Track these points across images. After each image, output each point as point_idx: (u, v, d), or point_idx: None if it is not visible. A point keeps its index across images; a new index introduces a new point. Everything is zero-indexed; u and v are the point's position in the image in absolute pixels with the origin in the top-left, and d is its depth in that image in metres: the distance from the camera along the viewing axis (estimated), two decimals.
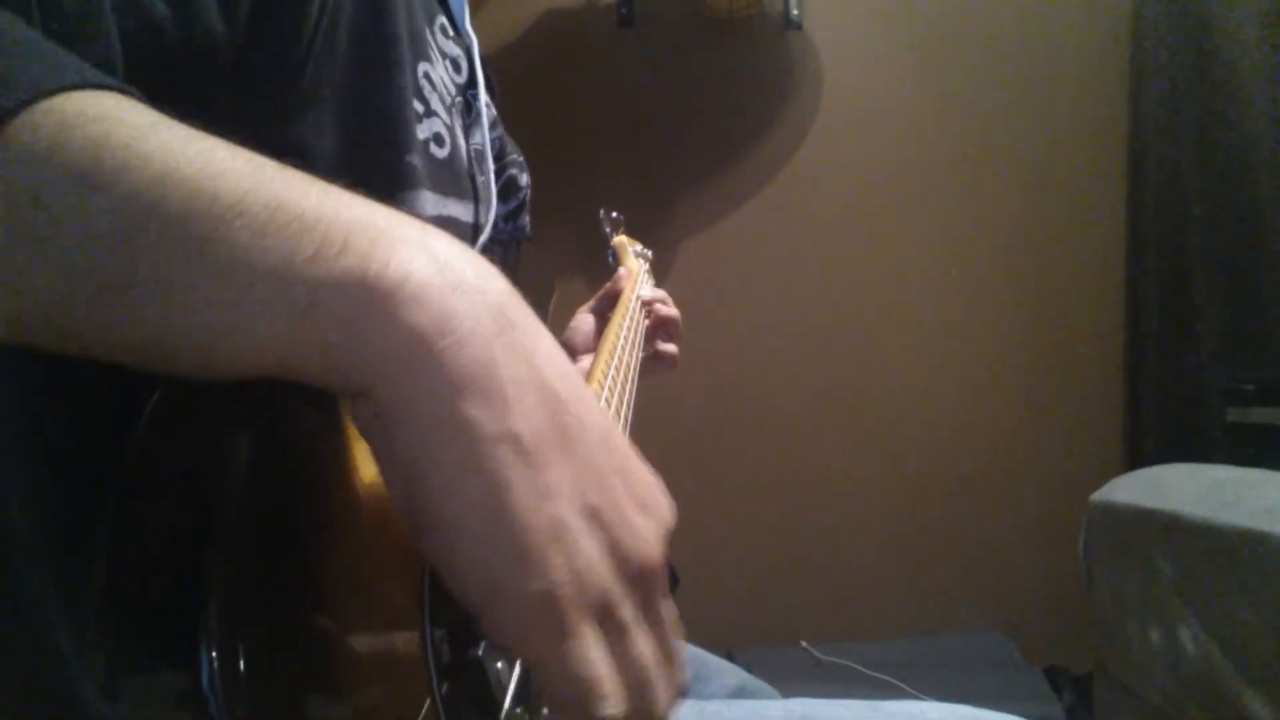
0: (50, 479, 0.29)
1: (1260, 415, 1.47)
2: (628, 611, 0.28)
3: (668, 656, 0.30)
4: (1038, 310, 1.91)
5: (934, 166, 1.91)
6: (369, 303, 0.25)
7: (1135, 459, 1.85)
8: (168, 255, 0.24)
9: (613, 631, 0.28)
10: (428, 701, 0.28)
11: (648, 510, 0.30)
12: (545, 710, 0.34)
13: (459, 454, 0.26)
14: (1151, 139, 1.84)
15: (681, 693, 0.31)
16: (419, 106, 0.51)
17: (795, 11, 1.81)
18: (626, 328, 0.83)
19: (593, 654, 0.27)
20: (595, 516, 0.28)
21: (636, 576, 0.29)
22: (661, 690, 0.29)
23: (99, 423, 0.28)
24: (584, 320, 0.95)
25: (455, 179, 0.56)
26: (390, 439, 0.26)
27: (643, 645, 0.29)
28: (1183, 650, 0.95)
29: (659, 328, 0.98)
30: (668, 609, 0.31)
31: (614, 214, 1.18)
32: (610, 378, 0.68)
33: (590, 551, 0.27)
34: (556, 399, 0.28)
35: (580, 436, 0.28)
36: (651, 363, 0.97)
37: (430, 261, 0.27)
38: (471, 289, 0.27)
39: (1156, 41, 1.83)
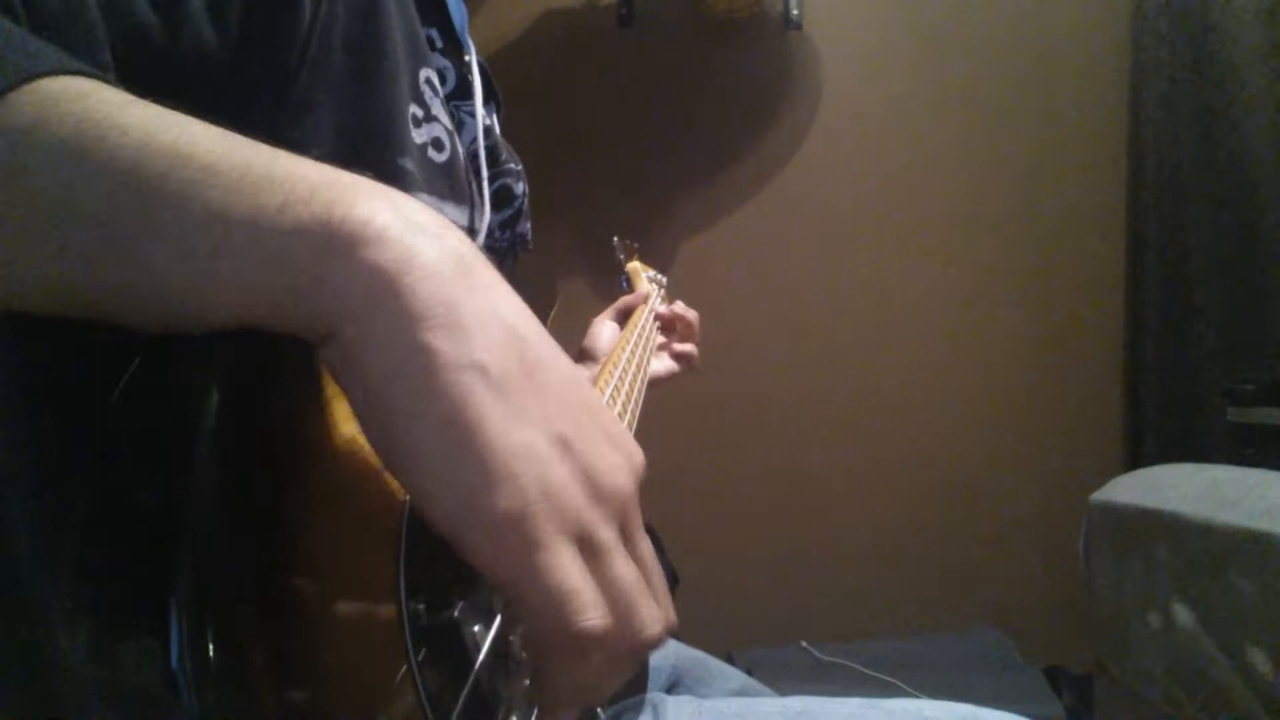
0: (37, 457, 0.30)
1: (1260, 415, 1.47)
2: (607, 534, 0.28)
3: (652, 585, 0.30)
4: (1038, 310, 1.91)
5: (934, 166, 1.91)
6: (334, 244, 0.27)
7: (1135, 459, 1.85)
8: (148, 214, 0.26)
9: (593, 553, 0.27)
10: (404, 666, 0.28)
11: (618, 447, 0.30)
12: (526, 682, 0.33)
13: (424, 379, 0.26)
14: (1151, 139, 1.84)
15: (672, 627, 0.30)
16: (418, 110, 0.52)
17: (795, 11, 1.82)
18: (635, 343, 0.84)
19: (568, 566, 0.26)
20: (567, 445, 0.28)
21: (611, 504, 0.29)
22: (649, 611, 0.29)
23: (80, 400, 0.29)
24: (606, 326, 0.95)
25: (453, 183, 0.56)
26: (359, 374, 0.27)
27: (626, 565, 0.28)
28: (1182, 650, 0.95)
29: (672, 329, 0.99)
30: (645, 544, 0.30)
31: (629, 241, 1.19)
32: (613, 388, 0.68)
33: (562, 474, 0.27)
34: (520, 337, 0.29)
35: (546, 372, 0.29)
36: (671, 361, 0.98)
37: (392, 209, 0.28)
38: (432, 234, 0.29)
39: (1156, 41, 1.83)
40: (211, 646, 0.22)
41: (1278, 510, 0.86)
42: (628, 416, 0.68)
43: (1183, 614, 0.94)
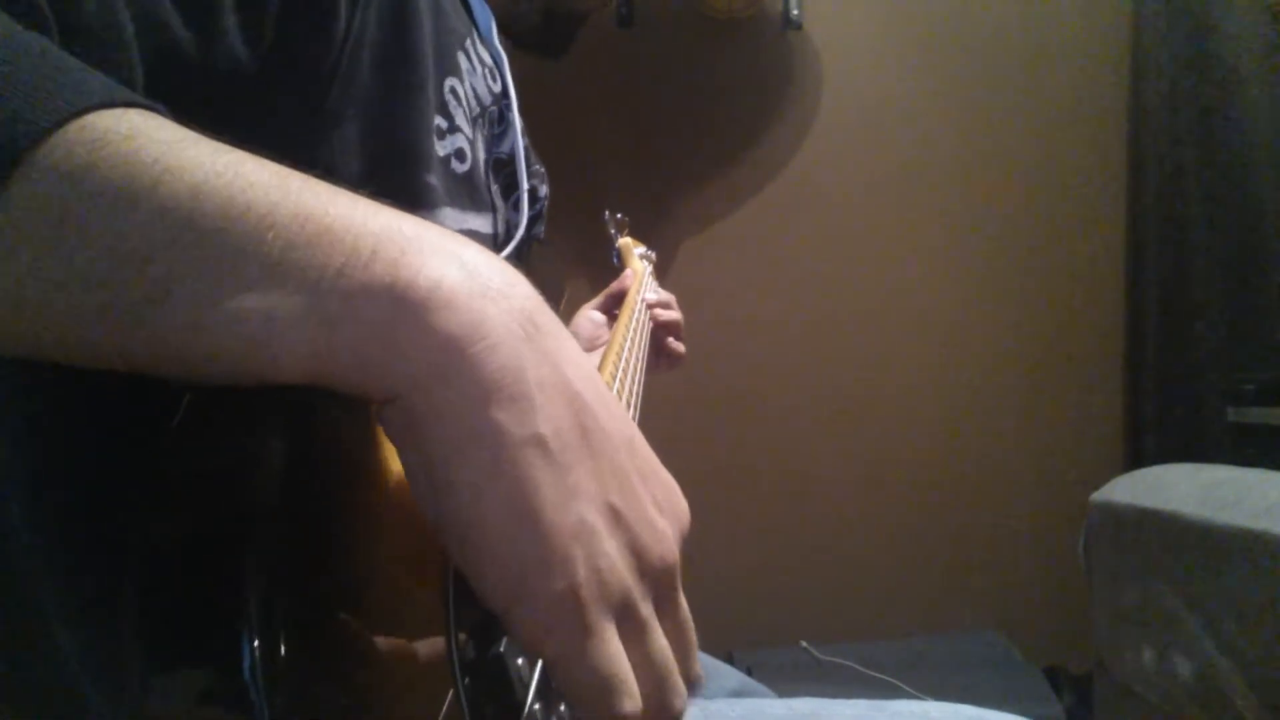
0: (66, 485, 0.29)
1: (1260, 415, 1.47)
2: (646, 609, 0.29)
3: (684, 651, 0.31)
4: (1038, 310, 1.91)
5: (934, 166, 1.91)
6: (401, 311, 0.26)
7: (1135, 459, 1.85)
8: (201, 270, 0.25)
9: (632, 629, 0.28)
10: (450, 695, 0.29)
11: (666, 512, 0.31)
12: (563, 708, 0.34)
13: (488, 457, 0.26)
14: (1151, 139, 1.84)
15: (694, 688, 0.31)
16: (442, 122, 0.51)
17: (795, 11, 1.81)
18: (633, 329, 0.84)
19: (612, 651, 0.27)
20: (617, 517, 0.28)
21: (655, 574, 0.29)
22: (677, 685, 0.30)
23: (123, 429, 0.28)
24: (586, 319, 0.95)
25: (474, 193, 0.56)
26: (421, 443, 0.27)
27: (660, 642, 0.29)
28: (1182, 650, 0.95)
29: (663, 331, 0.99)
30: (682, 605, 0.31)
31: (619, 215, 1.19)
32: (618, 380, 0.68)
33: (611, 551, 0.28)
34: (581, 402, 0.29)
35: (603, 438, 0.29)
36: (656, 360, 0.98)
37: (459, 269, 0.27)
38: (499, 294, 0.28)
39: (1156, 41, 1.83)
40: (282, 658, 0.23)
41: (1278, 510, 0.86)
42: (632, 411, 0.68)
43: (1183, 615, 0.94)
